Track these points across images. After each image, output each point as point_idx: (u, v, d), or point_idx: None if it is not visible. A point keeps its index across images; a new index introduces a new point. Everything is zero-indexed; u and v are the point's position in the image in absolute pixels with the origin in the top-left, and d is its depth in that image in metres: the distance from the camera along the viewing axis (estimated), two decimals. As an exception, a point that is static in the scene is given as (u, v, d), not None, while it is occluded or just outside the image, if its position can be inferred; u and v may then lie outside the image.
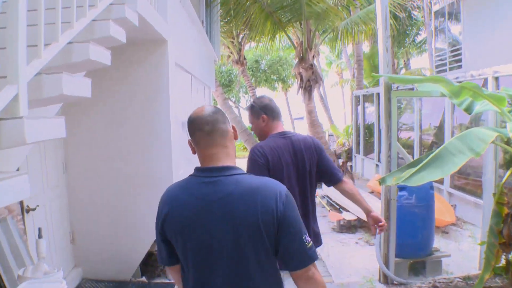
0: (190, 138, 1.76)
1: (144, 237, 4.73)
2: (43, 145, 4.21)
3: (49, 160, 4.34)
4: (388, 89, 4.42)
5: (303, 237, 1.62)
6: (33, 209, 3.83)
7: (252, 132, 19.24)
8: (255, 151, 2.87)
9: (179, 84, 5.53)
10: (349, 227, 7.16)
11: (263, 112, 3.01)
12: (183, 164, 5.51)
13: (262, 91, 27.05)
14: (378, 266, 4.74)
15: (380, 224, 2.95)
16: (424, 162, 3.21)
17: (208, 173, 1.66)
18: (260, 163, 2.80)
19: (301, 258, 1.61)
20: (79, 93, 2.04)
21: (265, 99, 3.11)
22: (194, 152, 1.77)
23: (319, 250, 6.02)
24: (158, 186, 4.60)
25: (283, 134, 2.99)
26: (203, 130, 1.69)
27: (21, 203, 3.67)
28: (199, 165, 1.76)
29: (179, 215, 1.63)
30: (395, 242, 4.62)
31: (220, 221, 1.58)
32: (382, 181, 3.68)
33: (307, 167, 2.95)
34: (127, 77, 4.59)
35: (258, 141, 3.09)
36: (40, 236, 2.70)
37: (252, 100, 3.16)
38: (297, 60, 11.87)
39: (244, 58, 16.20)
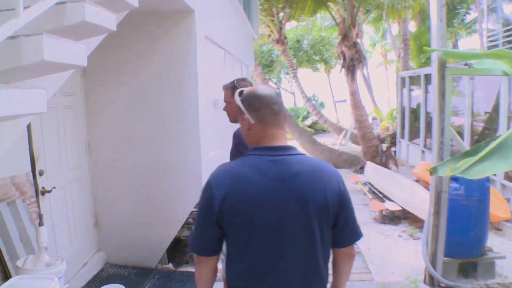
0: (248, 112, 1.66)
1: (171, 221, 4.49)
2: (63, 124, 3.96)
3: (69, 140, 4.10)
4: (442, 65, 3.86)
5: (355, 215, 1.71)
6: (49, 191, 3.59)
7: (292, 114, 18.94)
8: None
9: (210, 59, 5.17)
10: (392, 218, 6.68)
11: None
12: (213, 146, 5.19)
13: (303, 72, 26.47)
14: (424, 264, 4.27)
15: None
16: (485, 151, 2.72)
17: (273, 152, 1.64)
18: None
19: (352, 235, 1.72)
20: (68, 60, 1.70)
21: (247, 83, 3.02)
22: (249, 129, 1.68)
23: (359, 242, 5.62)
24: (186, 168, 4.34)
25: None
26: (271, 109, 1.65)
27: (35, 185, 3.43)
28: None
29: (248, 194, 1.56)
30: (444, 239, 4.11)
31: (291, 200, 1.57)
32: (433, 171, 3.22)
33: None
34: (152, 52, 4.27)
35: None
36: (41, 224, 2.41)
37: (235, 81, 3.02)
38: (340, 38, 11.30)
39: (285, 37, 15.65)
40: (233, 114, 2.94)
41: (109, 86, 4.39)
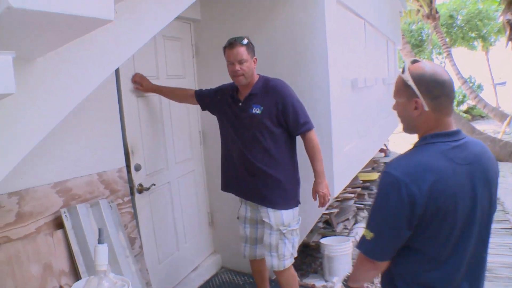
0: (423, 98, 1.47)
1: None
2: (169, 112, 3.45)
3: (178, 129, 3.59)
4: None
5: None
6: (147, 189, 3.09)
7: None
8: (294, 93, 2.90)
9: (345, 30, 4.25)
10: None
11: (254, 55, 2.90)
12: (350, 137, 4.29)
13: (458, 50, 23.63)
14: None
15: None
16: None
17: (453, 137, 1.51)
18: None
19: None
20: (67, 9, 1.00)
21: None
22: (418, 114, 1.50)
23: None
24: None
25: None
26: (449, 97, 1.50)
27: (130, 182, 2.95)
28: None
29: (448, 185, 1.43)
30: None
31: (480, 183, 1.50)
32: None
33: None
34: (271, 25, 3.54)
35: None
36: (100, 241, 1.82)
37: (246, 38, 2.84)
38: (504, 5, 9.40)
39: (436, 12, 13.84)
40: (250, 71, 2.83)
41: (224, 67, 3.78)
